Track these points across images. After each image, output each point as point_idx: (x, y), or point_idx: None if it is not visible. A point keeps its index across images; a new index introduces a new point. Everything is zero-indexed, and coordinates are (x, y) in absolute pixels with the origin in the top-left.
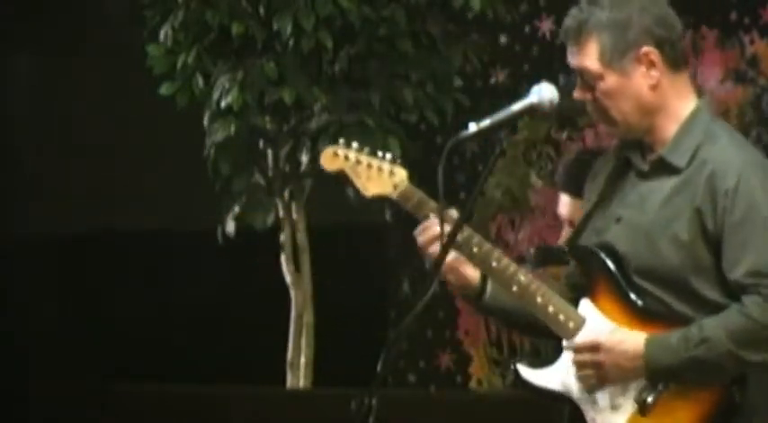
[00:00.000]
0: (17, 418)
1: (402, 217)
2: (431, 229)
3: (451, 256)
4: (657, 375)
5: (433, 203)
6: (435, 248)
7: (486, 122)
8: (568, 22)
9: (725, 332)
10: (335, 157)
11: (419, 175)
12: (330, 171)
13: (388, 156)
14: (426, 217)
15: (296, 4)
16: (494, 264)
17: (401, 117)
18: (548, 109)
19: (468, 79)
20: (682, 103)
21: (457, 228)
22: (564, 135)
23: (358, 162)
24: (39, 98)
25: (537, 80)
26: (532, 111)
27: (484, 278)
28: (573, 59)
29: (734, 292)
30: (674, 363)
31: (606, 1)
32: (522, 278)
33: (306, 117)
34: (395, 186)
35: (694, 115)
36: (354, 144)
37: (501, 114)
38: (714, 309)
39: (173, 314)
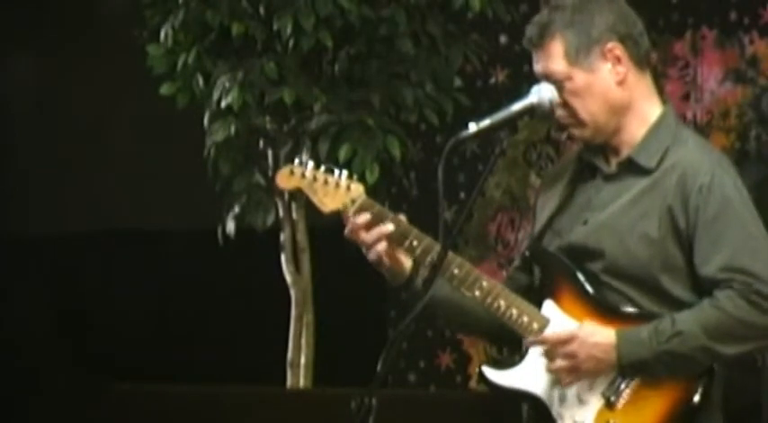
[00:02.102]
0: (17, 417)
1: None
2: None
3: (384, 245)
4: (629, 368)
5: (391, 215)
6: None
7: (486, 122)
8: (531, 29)
9: (699, 326)
10: (291, 176)
11: (419, 175)
12: (287, 189)
13: (344, 172)
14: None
15: (296, 4)
16: (455, 270)
17: (401, 117)
18: (547, 109)
19: (468, 79)
20: (648, 105)
21: (445, 248)
22: (564, 135)
23: (314, 179)
24: (39, 98)
25: (537, 80)
26: (532, 111)
27: (415, 269)
28: (538, 65)
29: (704, 288)
30: (647, 356)
31: (567, 4)
32: (485, 283)
33: (306, 117)
34: (353, 201)
35: (662, 119)
36: (310, 162)
37: (501, 114)
38: (682, 307)
39: (172, 314)
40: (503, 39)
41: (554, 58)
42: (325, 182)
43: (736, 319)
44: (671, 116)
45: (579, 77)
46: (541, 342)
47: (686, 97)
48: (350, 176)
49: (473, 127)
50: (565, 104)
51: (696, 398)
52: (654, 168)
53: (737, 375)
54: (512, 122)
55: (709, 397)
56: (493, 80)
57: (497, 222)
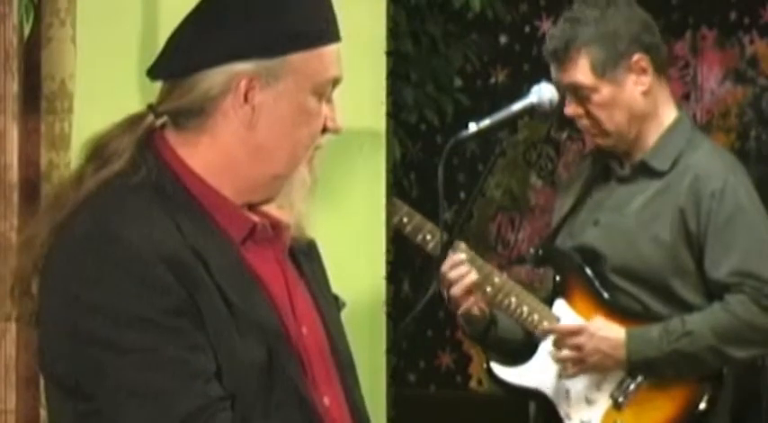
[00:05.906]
0: None
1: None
2: (460, 268)
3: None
4: (638, 367)
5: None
6: (458, 288)
7: (486, 122)
8: (553, 42)
9: (709, 327)
10: None
11: (419, 175)
12: None
13: None
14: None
15: None
16: None
17: (401, 117)
18: (548, 109)
19: (468, 79)
20: (666, 110)
21: (447, 246)
22: (564, 135)
23: None
24: None
25: (537, 80)
26: (532, 111)
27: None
28: (563, 77)
29: (714, 292)
30: (657, 355)
31: (589, 17)
32: (496, 279)
33: None
34: None
35: (677, 123)
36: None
37: (501, 114)
38: (690, 310)
39: None
40: (503, 39)
41: (581, 71)
42: None
43: (746, 323)
44: (686, 121)
45: (606, 90)
46: (551, 331)
47: (686, 97)
48: None
49: (473, 127)
50: (589, 115)
51: (703, 403)
52: (666, 171)
53: (738, 375)
54: (512, 122)
55: (717, 402)
56: (493, 80)
57: (497, 222)
